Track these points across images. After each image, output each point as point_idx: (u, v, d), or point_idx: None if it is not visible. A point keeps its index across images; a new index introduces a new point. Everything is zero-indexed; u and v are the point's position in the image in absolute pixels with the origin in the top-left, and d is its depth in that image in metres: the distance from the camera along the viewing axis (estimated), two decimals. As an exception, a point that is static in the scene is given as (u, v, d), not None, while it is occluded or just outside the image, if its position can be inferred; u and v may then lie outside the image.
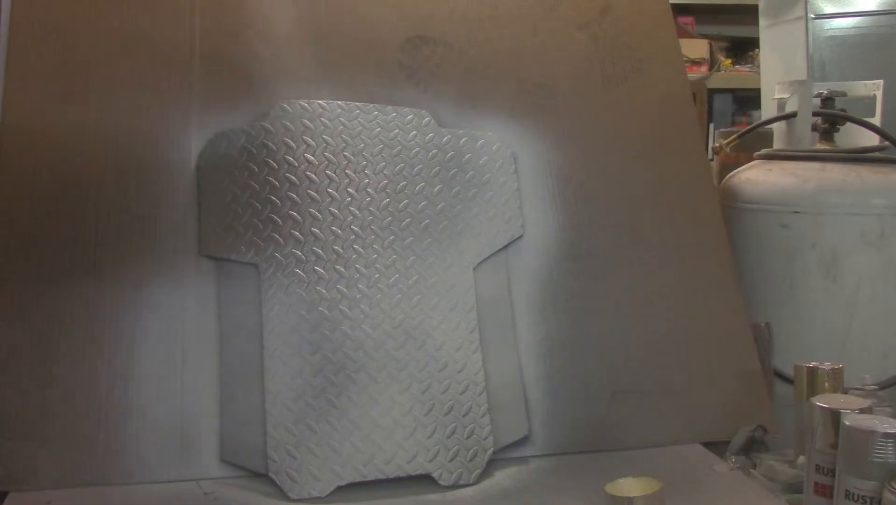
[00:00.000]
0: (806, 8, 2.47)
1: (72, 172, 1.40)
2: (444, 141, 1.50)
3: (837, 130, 1.88)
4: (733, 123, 3.91)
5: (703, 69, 4.02)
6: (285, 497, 1.26)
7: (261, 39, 1.52)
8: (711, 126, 3.53)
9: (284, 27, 1.53)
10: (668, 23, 1.72)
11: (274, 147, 1.43)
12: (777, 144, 1.99)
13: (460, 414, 1.34)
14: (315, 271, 1.38)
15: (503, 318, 1.45)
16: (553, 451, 1.40)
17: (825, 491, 1.12)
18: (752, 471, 1.36)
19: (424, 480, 1.30)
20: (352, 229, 1.41)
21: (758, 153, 1.93)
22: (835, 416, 1.12)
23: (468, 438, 1.33)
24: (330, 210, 1.41)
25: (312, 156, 1.44)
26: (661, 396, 1.47)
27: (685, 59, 2.61)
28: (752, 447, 1.40)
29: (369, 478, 1.29)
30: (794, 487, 1.30)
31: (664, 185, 1.59)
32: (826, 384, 1.33)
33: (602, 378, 1.46)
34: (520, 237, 1.49)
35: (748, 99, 3.88)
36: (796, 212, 1.73)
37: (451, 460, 1.31)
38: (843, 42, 2.51)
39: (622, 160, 1.59)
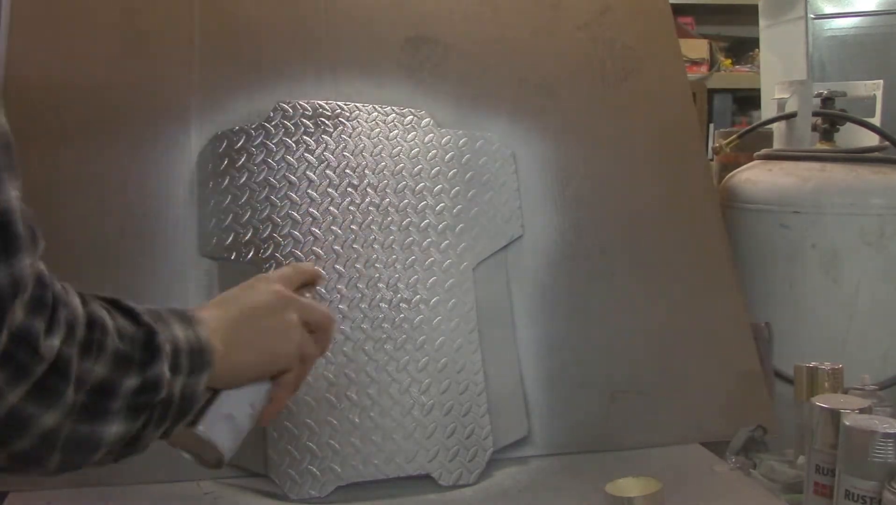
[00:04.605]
0: (806, 8, 2.47)
1: (71, 173, 1.40)
2: (443, 141, 1.50)
3: (837, 130, 1.88)
4: (733, 123, 3.90)
5: (703, 69, 4.02)
6: (285, 497, 1.26)
7: (261, 39, 1.52)
8: (711, 126, 3.52)
9: (284, 27, 1.53)
10: (668, 23, 1.72)
11: (273, 147, 1.43)
12: (777, 144, 1.99)
13: (460, 414, 1.34)
14: (315, 271, 1.38)
15: (503, 318, 1.45)
16: (553, 451, 1.40)
17: (825, 491, 1.12)
18: (752, 471, 1.35)
19: (424, 480, 1.30)
20: (351, 229, 1.41)
21: (758, 153, 1.92)
22: (835, 416, 1.12)
23: (468, 438, 1.33)
24: (329, 210, 1.41)
25: (312, 156, 1.44)
26: (661, 396, 1.47)
27: (685, 59, 2.61)
28: (752, 447, 1.39)
29: (369, 478, 1.29)
30: (794, 487, 1.29)
31: (664, 185, 1.59)
32: (826, 384, 1.32)
33: (602, 378, 1.46)
34: (519, 237, 1.49)
35: (748, 99, 3.87)
36: (796, 212, 1.73)
37: (450, 460, 1.31)
38: (843, 42, 2.51)
39: (622, 160, 1.59)
